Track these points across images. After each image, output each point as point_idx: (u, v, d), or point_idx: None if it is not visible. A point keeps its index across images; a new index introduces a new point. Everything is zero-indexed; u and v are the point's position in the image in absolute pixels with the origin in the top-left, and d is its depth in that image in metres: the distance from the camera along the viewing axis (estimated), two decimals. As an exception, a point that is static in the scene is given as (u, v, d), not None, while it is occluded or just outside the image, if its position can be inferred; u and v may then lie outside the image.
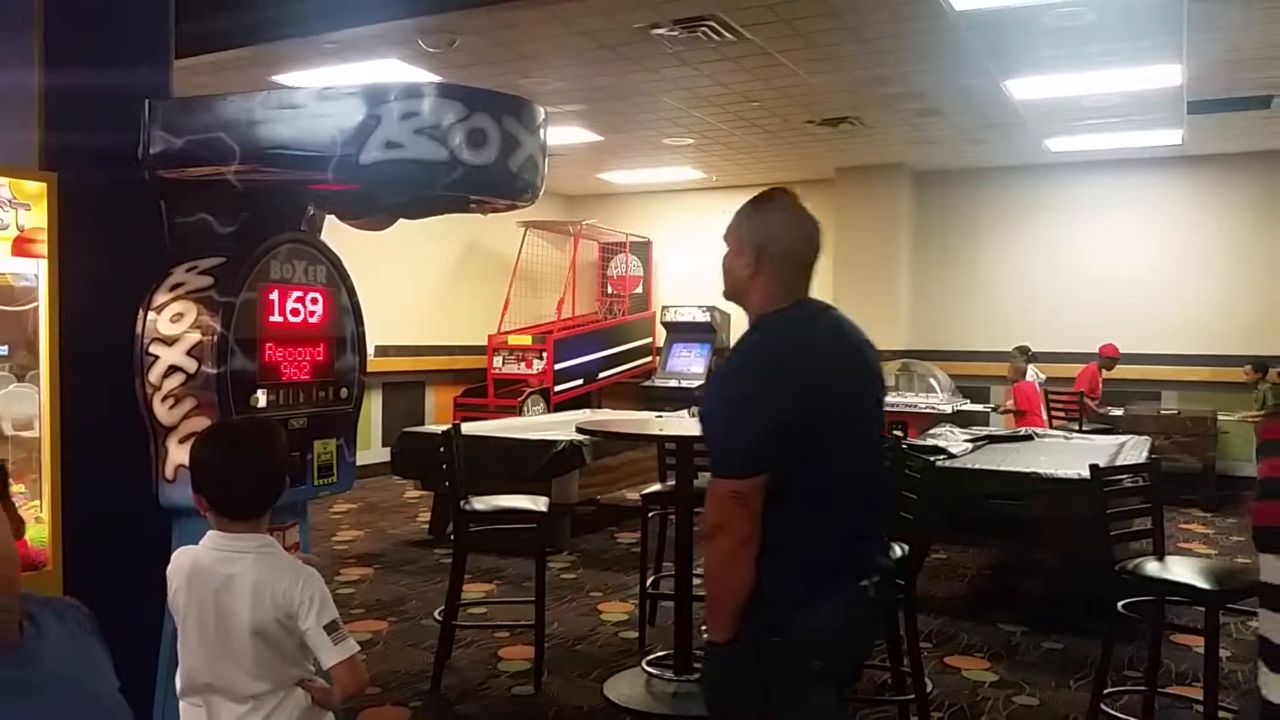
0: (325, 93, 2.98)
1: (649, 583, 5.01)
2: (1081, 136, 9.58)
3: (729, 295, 2.33)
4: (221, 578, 2.13)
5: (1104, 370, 9.88)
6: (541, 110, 3.13)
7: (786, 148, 10.53)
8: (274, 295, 3.22)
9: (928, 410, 9.85)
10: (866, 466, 2.20)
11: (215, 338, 3.04)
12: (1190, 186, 10.49)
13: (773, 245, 2.21)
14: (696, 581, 4.99)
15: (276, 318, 3.22)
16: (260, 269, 3.18)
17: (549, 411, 10.87)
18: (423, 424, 10.60)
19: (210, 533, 2.21)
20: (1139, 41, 6.69)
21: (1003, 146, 10.18)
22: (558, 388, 11.43)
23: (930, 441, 6.29)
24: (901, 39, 6.78)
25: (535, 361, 11.44)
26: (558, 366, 11.44)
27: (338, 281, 3.45)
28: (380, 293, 10.47)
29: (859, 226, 11.68)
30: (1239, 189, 10.32)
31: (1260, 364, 9.32)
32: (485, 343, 11.69)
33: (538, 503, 4.57)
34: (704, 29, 6.50)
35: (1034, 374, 9.41)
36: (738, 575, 2.01)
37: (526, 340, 11.59)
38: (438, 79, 7.56)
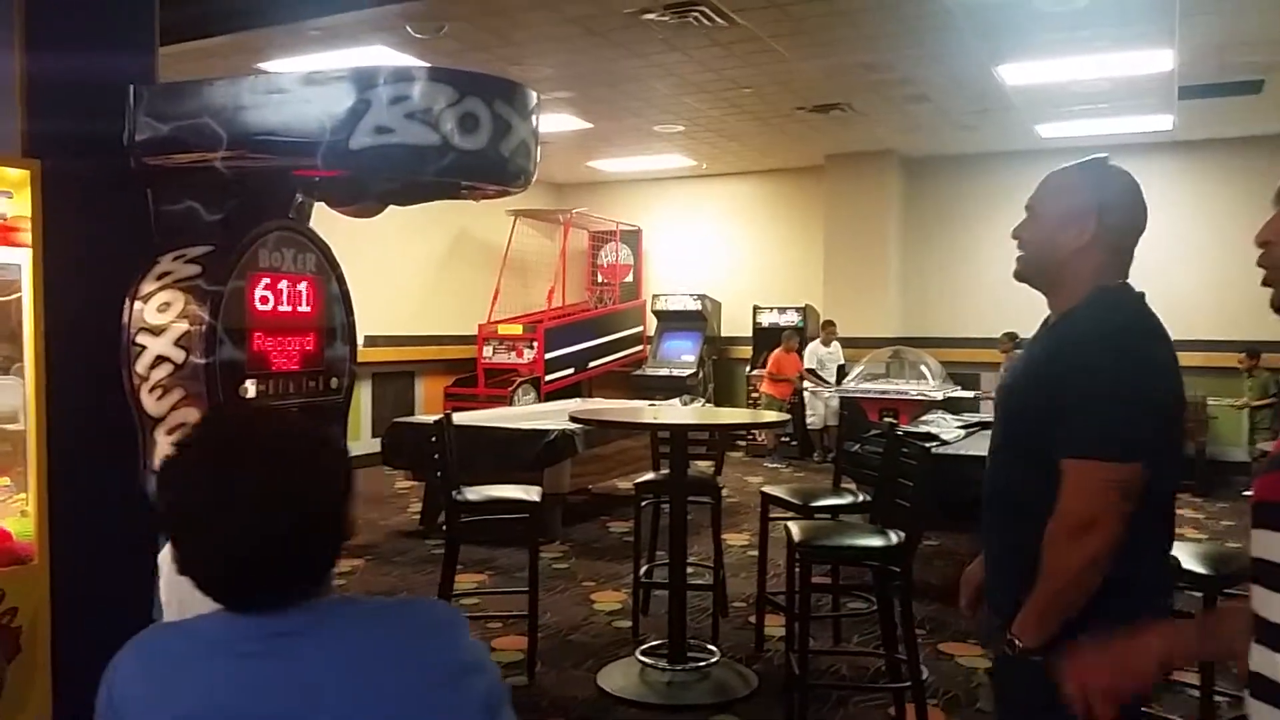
0: (313, 77, 2.93)
1: (642, 572, 4.98)
2: (1072, 122, 9.56)
3: (1029, 272, 1.99)
4: None
5: None
6: (534, 94, 3.09)
7: (777, 134, 10.49)
8: (263, 284, 3.17)
9: (919, 397, 9.86)
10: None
11: (203, 327, 3.00)
12: (1181, 172, 10.49)
13: (1111, 214, 1.91)
14: (690, 570, 4.98)
15: (265, 307, 3.18)
16: (248, 257, 3.13)
17: (539, 401, 10.83)
18: (412, 414, 10.54)
19: None
20: (1131, 26, 6.67)
21: (993, 132, 10.17)
22: (548, 377, 11.39)
23: (923, 428, 6.27)
24: (892, 24, 6.74)
25: (526, 351, 11.40)
26: (548, 356, 11.39)
27: (327, 270, 3.40)
28: (369, 282, 10.40)
29: (849, 213, 11.66)
30: (1230, 174, 10.32)
31: (1253, 350, 9.33)
32: (475, 332, 11.64)
33: (530, 492, 4.54)
34: (695, 14, 6.45)
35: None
36: (1091, 582, 1.74)
37: (517, 330, 11.55)
38: (447, 69, 7.51)
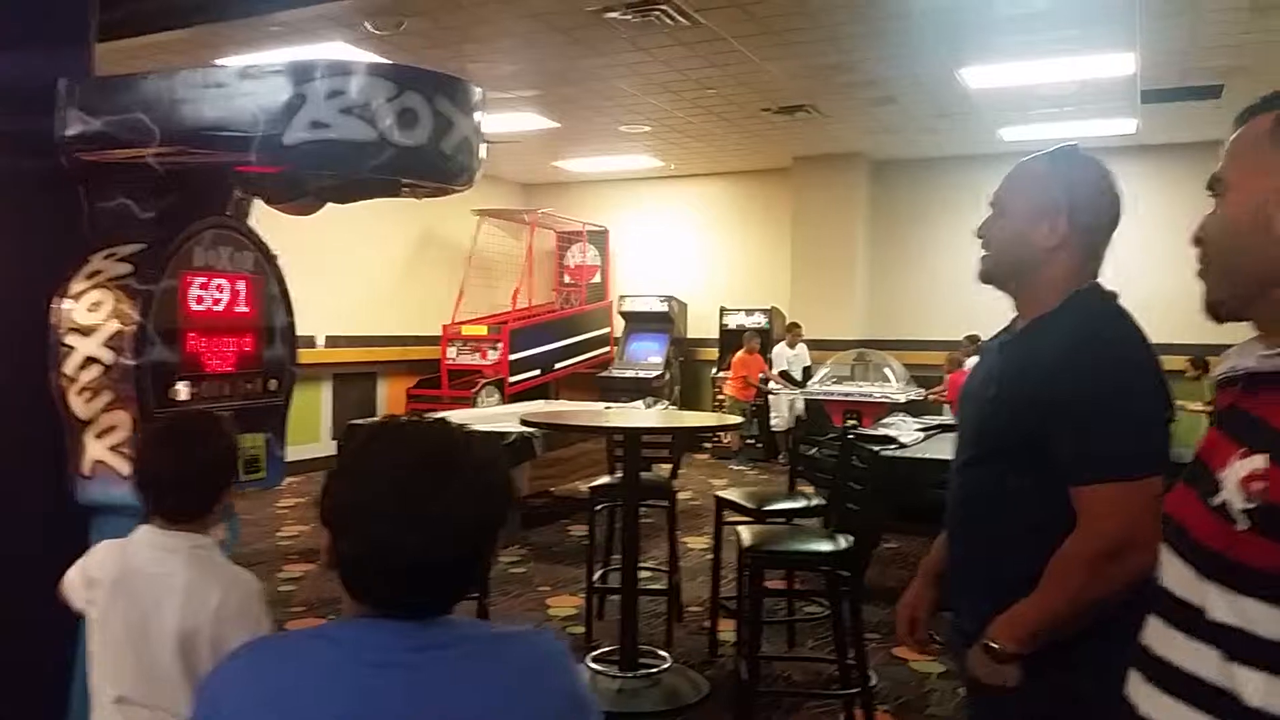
0: (249, 70, 2.84)
1: (596, 577, 4.91)
2: (1035, 126, 9.59)
3: (995, 272, 1.87)
4: (151, 577, 1.98)
5: None
6: (478, 90, 3.02)
7: (744, 136, 10.46)
8: (197, 283, 3.09)
9: (882, 400, 9.86)
10: None
11: (133, 327, 2.91)
12: (1144, 176, 10.51)
13: (1084, 210, 1.78)
14: (645, 574, 4.92)
15: (199, 306, 3.09)
16: (182, 255, 3.05)
17: (504, 402, 10.75)
18: (374, 416, 10.43)
19: (144, 527, 2.06)
20: (1092, 29, 6.68)
21: (957, 136, 10.19)
22: (513, 378, 11.30)
23: (882, 431, 6.25)
24: (856, 24, 6.72)
25: (490, 352, 11.31)
26: (513, 357, 11.31)
27: (265, 269, 3.32)
28: (331, 282, 10.29)
29: (816, 216, 11.66)
30: (1192, 178, 10.32)
31: (1199, 360, 9.36)
32: (439, 333, 11.53)
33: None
34: (657, 13, 6.40)
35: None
36: (1109, 605, 1.60)
37: (481, 330, 11.46)
38: (386, 64, 7.41)
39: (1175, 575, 1.11)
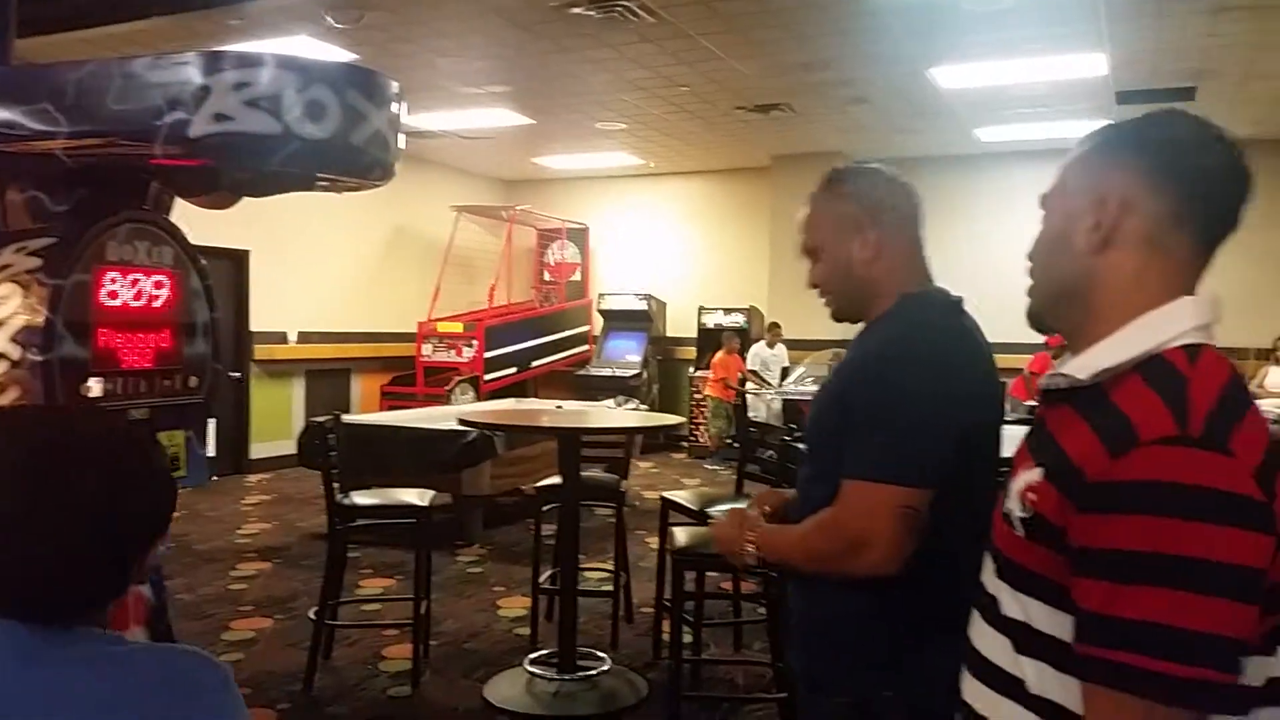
0: (159, 61, 2.78)
1: (544, 578, 4.85)
2: (1011, 126, 9.54)
3: (844, 307, 1.88)
4: None
5: (1056, 359, 9.85)
6: (394, 84, 2.96)
7: (721, 134, 10.41)
8: (111, 277, 3.03)
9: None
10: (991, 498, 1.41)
11: (41, 322, 2.85)
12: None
13: (880, 213, 1.81)
14: (598, 575, 4.85)
15: (114, 302, 3.03)
16: (94, 249, 2.99)
17: (479, 399, 10.69)
18: (347, 412, 10.35)
19: None
20: (1059, 29, 6.63)
21: (934, 136, 10.13)
22: (488, 376, 11.23)
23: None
24: (824, 23, 6.67)
25: (465, 349, 11.24)
26: (488, 354, 11.24)
27: (186, 264, 3.26)
28: (305, 277, 10.23)
29: (795, 215, 11.57)
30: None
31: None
32: (415, 330, 11.47)
33: (423, 496, 4.40)
34: (620, 9, 6.34)
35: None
36: (831, 576, 1.64)
37: (457, 328, 11.38)
38: (352, 57, 7.35)
39: (985, 570, 1.20)
